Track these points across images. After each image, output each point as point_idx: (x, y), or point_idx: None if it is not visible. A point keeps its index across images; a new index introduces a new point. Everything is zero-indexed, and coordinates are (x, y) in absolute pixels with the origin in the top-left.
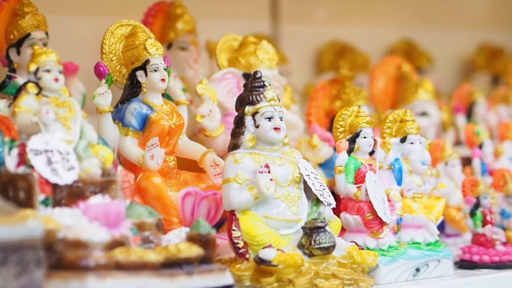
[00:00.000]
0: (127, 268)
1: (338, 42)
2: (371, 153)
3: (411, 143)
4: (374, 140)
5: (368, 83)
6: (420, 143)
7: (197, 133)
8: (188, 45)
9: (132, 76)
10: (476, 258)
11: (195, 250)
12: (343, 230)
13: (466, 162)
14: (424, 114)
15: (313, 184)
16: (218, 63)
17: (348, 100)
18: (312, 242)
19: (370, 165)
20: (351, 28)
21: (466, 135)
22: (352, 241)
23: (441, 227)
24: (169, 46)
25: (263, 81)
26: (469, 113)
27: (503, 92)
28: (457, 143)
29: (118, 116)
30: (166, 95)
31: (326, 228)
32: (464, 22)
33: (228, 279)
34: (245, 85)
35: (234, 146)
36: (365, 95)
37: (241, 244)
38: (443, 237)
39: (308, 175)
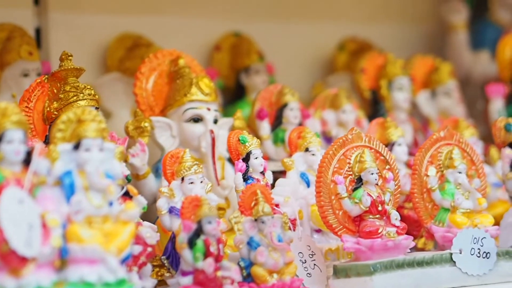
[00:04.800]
0: None
1: (130, 35)
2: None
3: (87, 150)
4: (32, 146)
5: (134, 82)
6: (101, 149)
7: None
8: None
9: None
10: None
11: None
12: None
13: None
14: (198, 120)
15: None
16: None
17: (66, 100)
18: None
19: (19, 179)
20: (155, 18)
21: (229, 144)
22: None
23: None
24: None
25: None
26: (279, 119)
27: (332, 93)
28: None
29: None
30: None
31: None
32: (323, 14)
33: None
34: None
35: None
36: (90, 93)
37: None
38: None
39: None
